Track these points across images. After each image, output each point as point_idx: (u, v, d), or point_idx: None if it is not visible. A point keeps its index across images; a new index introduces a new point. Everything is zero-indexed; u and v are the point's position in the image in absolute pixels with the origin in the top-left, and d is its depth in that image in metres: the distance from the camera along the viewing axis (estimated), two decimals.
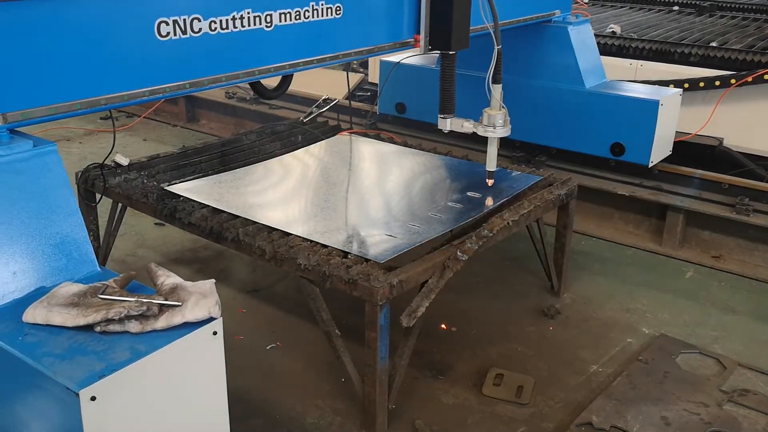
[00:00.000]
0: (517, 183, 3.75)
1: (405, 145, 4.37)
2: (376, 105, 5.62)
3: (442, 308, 3.71)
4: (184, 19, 2.49)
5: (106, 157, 3.68)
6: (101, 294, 2.00)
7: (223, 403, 2.10)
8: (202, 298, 1.98)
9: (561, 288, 4.04)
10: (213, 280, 2.08)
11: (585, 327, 3.77)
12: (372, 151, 4.29)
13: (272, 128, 4.59)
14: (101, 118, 7.05)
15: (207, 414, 2.07)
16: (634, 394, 3.15)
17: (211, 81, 2.67)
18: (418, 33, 3.35)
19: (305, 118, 4.68)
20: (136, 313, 1.92)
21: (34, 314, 1.95)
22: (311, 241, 3.04)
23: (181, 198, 3.45)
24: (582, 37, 4.65)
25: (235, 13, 2.64)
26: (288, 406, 3.16)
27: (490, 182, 3.64)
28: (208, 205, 3.37)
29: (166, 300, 1.98)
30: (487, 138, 3.55)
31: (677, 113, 4.65)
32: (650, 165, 4.53)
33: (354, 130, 4.60)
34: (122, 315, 1.91)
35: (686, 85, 5.09)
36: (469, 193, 3.63)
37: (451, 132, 3.62)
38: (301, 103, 6.21)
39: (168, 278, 2.09)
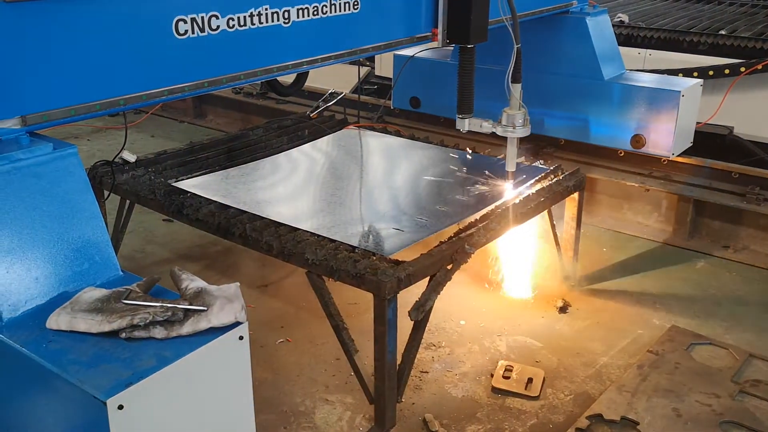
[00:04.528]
0: (525, 174, 3.72)
1: (412, 138, 4.35)
2: (389, 99, 5.60)
3: (450, 301, 3.70)
4: (202, 17, 2.46)
5: (117, 154, 3.68)
6: (125, 299, 1.96)
7: (249, 407, 2.07)
8: (227, 303, 1.95)
9: (570, 279, 4.02)
10: (238, 284, 2.04)
11: (595, 319, 3.76)
12: (379, 144, 4.28)
13: (279, 123, 4.58)
14: (109, 115, 7.06)
15: (233, 419, 2.05)
16: (645, 385, 3.13)
17: (230, 79, 2.64)
18: (436, 27, 3.30)
19: (312, 112, 4.67)
20: (161, 319, 1.89)
21: (57, 320, 1.92)
22: (318, 236, 3.03)
23: (189, 194, 3.45)
24: (600, 28, 4.59)
25: (252, 10, 2.60)
26: (297, 400, 3.16)
27: (509, 183, 3.56)
28: (216, 201, 3.37)
29: (191, 305, 1.94)
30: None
31: (698, 104, 4.59)
32: (671, 157, 4.48)
33: (361, 124, 4.59)
34: (147, 321, 1.87)
35: (695, 74, 5.05)
36: (477, 186, 3.61)
37: None
38: (308, 97, 6.20)
39: (192, 282, 2.05)
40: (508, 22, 3.23)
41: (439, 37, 3.31)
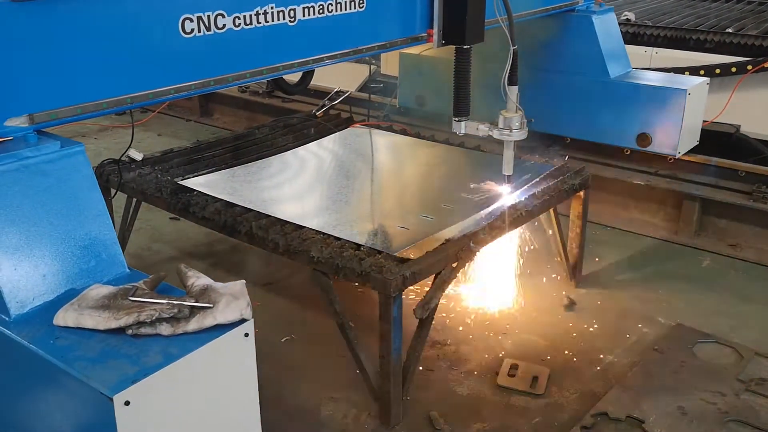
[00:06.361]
0: (530, 172, 3.72)
1: (418, 136, 4.36)
2: (395, 98, 5.60)
3: (456, 299, 3.71)
4: (209, 16, 2.48)
5: (124, 153, 3.70)
6: (132, 296, 1.98)
7: (255, 404, 2.08)
8: (233, 300, 1.96)
9: (576, 278, 4.02)
10: (243, 281, 2.06)
11: (600, 317, 3.75)
12: (385, 143, 4.29)
13: (285, 121, 4.60)
14: (116, 114, 7.09)
15: (239, 415, 2.06)
16: (650, 384, 3.13)
17: (236, 78, 2.65)
18: (432, 27, 3.24)
19: (318, 110, 4.68)
20: (167, 316, 1.90)
21: (65, 317, 1.94)
22: (324, 234, 3.04)
23: (195, 192, 3.47)
24: (606, 26, 4.58)
25: (258, 9, 2.62)
26: (303, 398, 3.17)
27: (507, 186, 3.49)
28: (222, 199, 3.38)
29: (197, 302, 1.96)
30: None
31: (704, 102, 4.57)
32: (677, 156, 4.46)
33: (366, 123, 4.60)
34: (154, 317, 1.89)
35: (702, 72, 5.03)
36: (482, 184, 3.61)
37: None
38: (314, 96, 6.20)
39: (198, 279, 2.06)
40: (503, 23, 3.16)
41: (435, 38, 3.24)
